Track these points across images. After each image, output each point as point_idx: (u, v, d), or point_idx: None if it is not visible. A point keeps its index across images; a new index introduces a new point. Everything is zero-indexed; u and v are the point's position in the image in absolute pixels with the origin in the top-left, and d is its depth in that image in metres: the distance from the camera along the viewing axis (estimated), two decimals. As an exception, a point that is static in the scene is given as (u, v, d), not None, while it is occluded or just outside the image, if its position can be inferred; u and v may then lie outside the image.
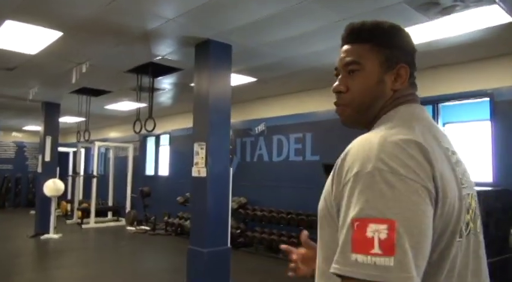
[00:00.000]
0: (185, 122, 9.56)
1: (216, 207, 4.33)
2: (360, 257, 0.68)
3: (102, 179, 11.13)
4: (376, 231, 0.68)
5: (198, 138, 4.46)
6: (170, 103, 8.75)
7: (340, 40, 1.00)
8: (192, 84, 6.58)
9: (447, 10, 3.54)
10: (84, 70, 5.41)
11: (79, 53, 5.03)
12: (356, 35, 0.95)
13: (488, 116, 5.01)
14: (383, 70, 0.92)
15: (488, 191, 4.34)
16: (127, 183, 10.51)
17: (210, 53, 4.37)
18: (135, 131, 5.92)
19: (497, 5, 3.45)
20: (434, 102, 5.46)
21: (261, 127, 7.79)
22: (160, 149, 10.80)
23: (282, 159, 7.34)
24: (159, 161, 10.74)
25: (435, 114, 5.45)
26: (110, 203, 11.10)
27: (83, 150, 11.56)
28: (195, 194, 4.48)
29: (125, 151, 11.32)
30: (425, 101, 5.53)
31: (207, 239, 4.21)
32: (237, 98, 7.78)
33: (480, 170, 5.05)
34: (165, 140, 10.59)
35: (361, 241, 0.69)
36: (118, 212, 10.84)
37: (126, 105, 8.84)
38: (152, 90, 5.82)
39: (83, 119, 9.12)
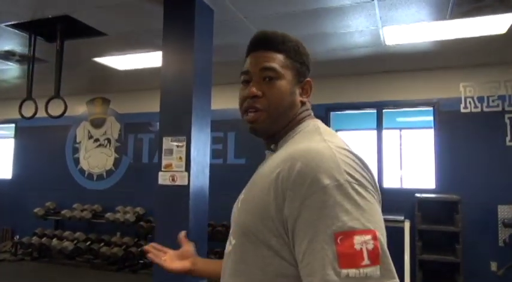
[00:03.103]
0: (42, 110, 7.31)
1: (197, 230, 3.13)
2: (352, 272, 0.67)
3: None
4: (364, 242, 0.69)
5: (172, 131, 3.16)
6: (20, 82, 6.45)
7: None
8: (98, 59, 5.00)
9: (476, 11, 3.37)
10: None
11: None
12: (272, 43, 0.95)
13: (431, 124, 5.22)
14: (294, 82, 0.94)
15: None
16: None
17: (196, 15, 3.16)
18: (22, 116, 3.97)
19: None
20: (378, 107, 5.41)
21: (165, 122, 6.47)
22: (-3, 143, 8.02)
23: (196, 161, 6.23)
24: (-6, 160, 7.95)
25: (379, 120, 5.40)
26: None
27: None
28: (162, 211, 3.14)
29: None
30: (369, 106, 5.44)
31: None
32: (133, 84, 6.33)
33: (423, 176, 5.20)
34: (6, 131, 7.90)
35: (350, 255, 0.68)
36: None
37: (-42, 79, 6.16)
38: (61, 57, 3.99)
39: None
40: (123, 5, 3.45)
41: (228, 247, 0.89)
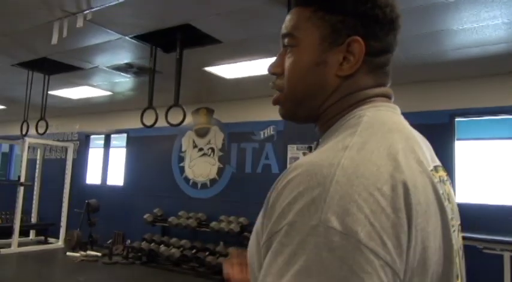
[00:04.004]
0: (151, 120, 7.66)
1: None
2: None
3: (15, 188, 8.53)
4: None
5: (297, 139, 2.95)
6: (132, 94, 6.80)
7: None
8: (207, 68, 5.04)
9: None
10: (80, 24, 3.49)
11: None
12: None
13: None
14: (325, 46, 0.64)
15: None
16: (63, 193, 8.12)
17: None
18: (144, 124, 4.10)
19: None
20: (516, 113, 4.67)
21: (268, 131, 6.36)
22: (111, 152, 8.60)
23: (300, 171, 6.00)
24: (108, 168, 8.53)
25: (517, 127, 4.66)
26: (33, 219, 8.54)
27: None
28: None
29: (56, 153, 8.93)
30: (505, 111, 4.72)
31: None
32: (237, 93, 6.31)
33: None
34: (118, 140, 8.46)
35: None
36: (45, 231, 8.35)
37: (80, 92, 6.69)
38: (180, 66, 4.05)
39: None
40: (243, 11, 3.35)
41: None
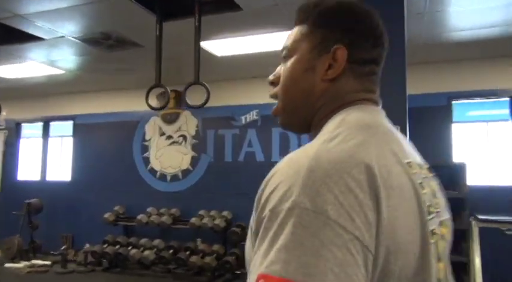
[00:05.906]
0: (104, 105, 6.70)
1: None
2: None
3: None
4: None
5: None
6: (80, 74, 5.82)
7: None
8: (203, 44, 4.35)
9: None
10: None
11: None
12: (298, 14, 0.76)
13: None
14: (314, 54, 0.69)
15: None
16: (-9, 193, 6.76)
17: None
18: (151, 107, 3.34)
19: None
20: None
21: (251, 116, 5.84)
22: (50, 141, 7.34)
23: (290, 159, 5.60)
24: (48, 160, 7.28)
25: (513, 110, 4.77)
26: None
27: None
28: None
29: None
30: (500, 94, 4.82)
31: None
32: (215, 74, 5.69)
33: None
34: (62, 129, 7.24)
35: None
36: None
37: (15, 70, 5.51)
38: (199, 36, 3.33)
39: None
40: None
41: None
